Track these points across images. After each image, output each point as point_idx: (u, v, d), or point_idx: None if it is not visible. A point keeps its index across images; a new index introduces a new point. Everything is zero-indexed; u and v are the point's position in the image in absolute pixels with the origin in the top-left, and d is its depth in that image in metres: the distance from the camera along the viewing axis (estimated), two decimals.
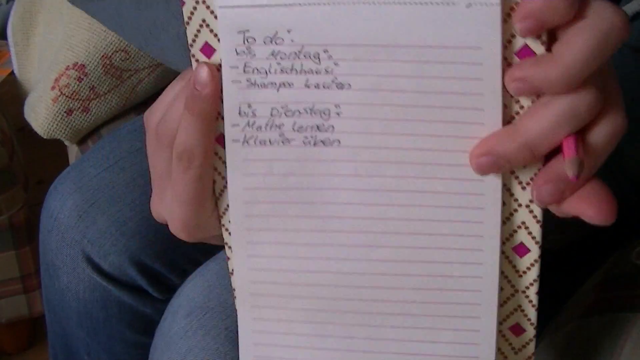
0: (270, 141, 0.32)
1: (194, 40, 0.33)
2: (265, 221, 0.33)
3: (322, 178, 0.32)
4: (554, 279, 0.55)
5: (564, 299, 0.48)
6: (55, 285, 0.71)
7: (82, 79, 0.93)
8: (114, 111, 0.97)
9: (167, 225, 0.36)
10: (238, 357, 0.37)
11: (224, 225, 0.35)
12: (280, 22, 0.31)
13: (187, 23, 0.33)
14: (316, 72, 0.31)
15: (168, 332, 0.55)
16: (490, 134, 0.30)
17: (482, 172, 0.30)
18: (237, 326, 0.36)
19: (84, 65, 0.92)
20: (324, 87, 0.31)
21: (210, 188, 0.34)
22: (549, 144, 0.29)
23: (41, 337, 1.20)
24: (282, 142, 0.32)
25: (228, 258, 0.35)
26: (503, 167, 0.30)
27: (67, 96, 0.93)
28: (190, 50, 0.33)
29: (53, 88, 0.93)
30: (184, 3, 0.32)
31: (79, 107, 0.94)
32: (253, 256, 0.34)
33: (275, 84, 0.32)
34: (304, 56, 0.31)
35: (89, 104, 0.94)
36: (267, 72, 0.32)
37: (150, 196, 0.37)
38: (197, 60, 0.33)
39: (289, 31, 0.31)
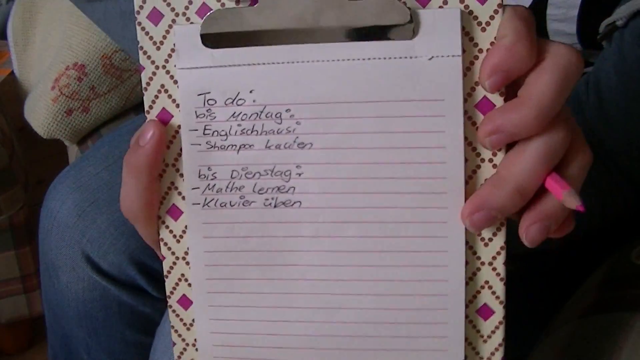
0: (230, 203, 0.32)
1: (150, 107, 0.33)
2: (227, 284, 0.33)
3: (283, 240, 0.32)
4: (554, 279, 0.55)
5: (564, 299, 0.48)
6: (54, 285, 0.71)
7: (82, 79, 0.93)
8: (114, 111, 0.97)
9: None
10: None
11: (171, 306, 0.35)
12: (242, 82, 0.31)
13: (145, 89, 0.33)
14: (277, 132, 0.31)
15: (169, 333, 0.55)
16: (478, 189, 0.30)
17: (477, 229, 0.30)
18: None
19: (84, 65, 0.93)
20: (285, 147, 0.31)
21: None
22: (535, 184, 0.29)
23: (41, 337, 1.20)
24: (243, 204, 0.32)
25: (174, 343, 0.35)
26: (497, 218, 0.30)
27: (67, 96, 0.93)
28: (147, 118, 0.33)
29: (53, 88, 0.93)
30: (143, 68, 0.32)
31: (79, 107, 0.94)
32: (215, 319, 0.34)
33: (236, 145, 0.32)
34: (266, 116, 0.31)
35: (89, 104, 0.94)
36: (228, 133, 0.32)
37: None
38: None
39: (251, 91, 0.31)
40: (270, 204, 0.32)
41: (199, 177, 0.32)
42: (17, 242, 1.08)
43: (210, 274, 0.33)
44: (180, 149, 0.32)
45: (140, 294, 0.69)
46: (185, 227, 0.33)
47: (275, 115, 0.31)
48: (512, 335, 0.34)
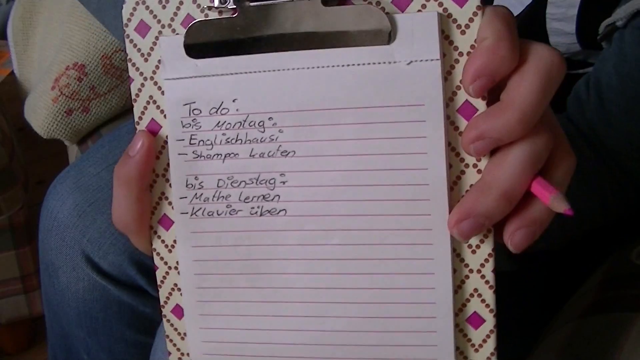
0: (217, 212, 0.32)
1: (140, 118, 0.33)
2: (215, 293, 0.33)
3: (270, 248, 0.32)
4: (554, 279, 0.55)
5: (564, 299, 0.48)
6: (54, 285, 0.71)
7: (82, 79, 0.93)
8: (114, 111, 0.97)
9: None
10: None
11: (165, 316, 0.35)
12: (225, 91, 0.31)
13: (135, 100, 0.33)
14: (261, 141, 0.31)
15: None
16: (464, 196, 0.30)
17: (465, 238, 0.30)
18: None
19: (84, 65, 0.92)
20: (268, 155, 0.31)
21: None
22: (521, 188, 0.29)
23: (41, 337, 1.20)
24: (230, 213, 0.32)
25: (169, 353, 0.35)
26: (484, 225, 0.29)
27: (67, 96, 0.93)
28: (136, 128, 0.33)
29: (53, 88, 0.93)
30: (132, 80, 0.33)
31: (79, 107, 0.94)
32: (205, 328, 0.34)
33: (221, 154, 0.32)
34: (249, 125, 0.31)
35: (89, 104, 0.94)
36: (213, 143, 0.32)
37: None
38: None
39: (234, 100, 0.31)
40: (256, 213, 0.32)
41: (187, 186, 0.33)
42: (17, 242, 1.08)
43: (199, 282, 0.33)
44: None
45: (140, 294, 0.69)
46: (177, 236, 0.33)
47: (258, 123, 0.31)
48: (512, 335, 0.34)
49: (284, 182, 0.32)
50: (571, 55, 0.55)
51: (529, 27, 0.54)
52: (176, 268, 0.34)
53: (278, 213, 0.32)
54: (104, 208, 0.68)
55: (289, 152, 0.31)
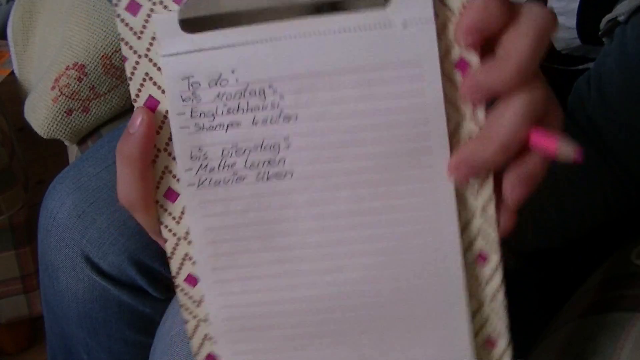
0: (224, 181, 0.33)
1: (137, 95, 0.33)
2: (230, 259, 0.34)
3: (279, 210, 0.33)
4: (554, 279, 0.55)
5: (564, 299, 0.48)
6: (54, 285, 0.71)
7: (82, 79, 0.93)
8: (114, 111, 0.97)
9: None
10: None
11: (178, 286, 0.35)
12: (223, 63, 0.32)
13: (130, 78, 0.33)
14: (262, 108, 0.32)
15: (168, 333, 0.55)
16: (463, 145, 0.32)
17: (463, 182, 0.32)
18: None
19: (84, 65, 0.92)
20: (271, 122, 0.32)
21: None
22: (519, 139, 0.30)
23: (41, 337, 1.20)
24: (236, 180, 0.33)
25: (186, 321, 0.36)
26: (481, 173, 0.32)
27: (67, 96, 0.93)
28: (134, 106, 0.33)
29: (53, 88, 0.93)
30: (126, 59, 0.33)
31: (79, 107, 0.94)
32: (223, 294, 0.35)
33: (223, 125, 0.33)
34: (249, 94, 0.32)
35: (89, 104, 0.94)
36: (214, 114, 0.33)
37: None
38: None
39: (233, 71, 0.32)
40: (262, 178, 0.33)
41: (191, 158, 0.33)
42: (17, 242, 1.08)
43: (213, 251, 0.34)
44: (171, 133, 0.33)
45: (140, 294, 0.70)
46: (183, 208, 0.34)
47: (259, 92, 0.32)
48: (512, 335, 0.34)
49: (288, 146, 0.32)
50: (571, 51, 0.55)
51: None
52: (185, 238, 0.35)
53: (284, 176, 0.33)
54: (103, 208, 0.68)
55: (292, 117, 0.32)
